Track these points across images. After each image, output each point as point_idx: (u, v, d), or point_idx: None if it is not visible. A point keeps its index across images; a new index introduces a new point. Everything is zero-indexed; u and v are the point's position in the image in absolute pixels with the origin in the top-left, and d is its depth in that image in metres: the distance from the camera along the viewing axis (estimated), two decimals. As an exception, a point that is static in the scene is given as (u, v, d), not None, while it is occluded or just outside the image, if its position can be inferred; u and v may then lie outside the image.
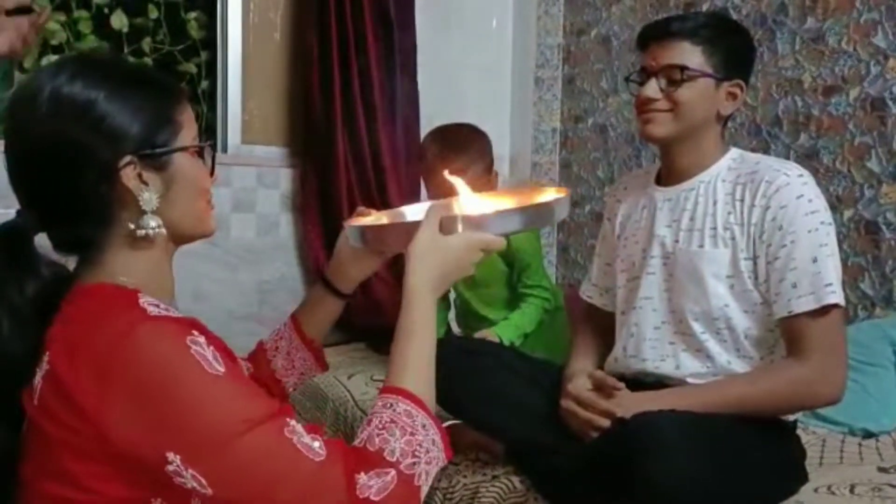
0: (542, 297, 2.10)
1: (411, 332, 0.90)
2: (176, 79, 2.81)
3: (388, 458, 0.80)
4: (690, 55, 1.37)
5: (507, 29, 3.28)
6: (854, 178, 2.19)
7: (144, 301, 0.82)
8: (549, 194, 1.07)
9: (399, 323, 0.91)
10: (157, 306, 0.81)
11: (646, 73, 1.42)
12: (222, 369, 0.78)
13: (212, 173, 0.94)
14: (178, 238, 0.92)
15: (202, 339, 0.79)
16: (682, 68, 1.37)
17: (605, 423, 1.31)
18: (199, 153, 0.91)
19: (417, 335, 0.90)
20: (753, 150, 2.38)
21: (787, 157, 2.33)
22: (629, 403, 1.31)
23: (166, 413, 0.75)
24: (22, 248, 0.86)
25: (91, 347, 0.77)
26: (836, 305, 1.29)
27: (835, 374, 1.30)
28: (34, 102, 0.83)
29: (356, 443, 0.83)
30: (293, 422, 0.80)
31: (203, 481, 0.75)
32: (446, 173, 1.10)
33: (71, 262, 0.91)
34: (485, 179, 1.97)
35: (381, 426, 0.83)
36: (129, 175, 0.84)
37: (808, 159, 2.27)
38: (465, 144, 1.97)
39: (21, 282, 0.85)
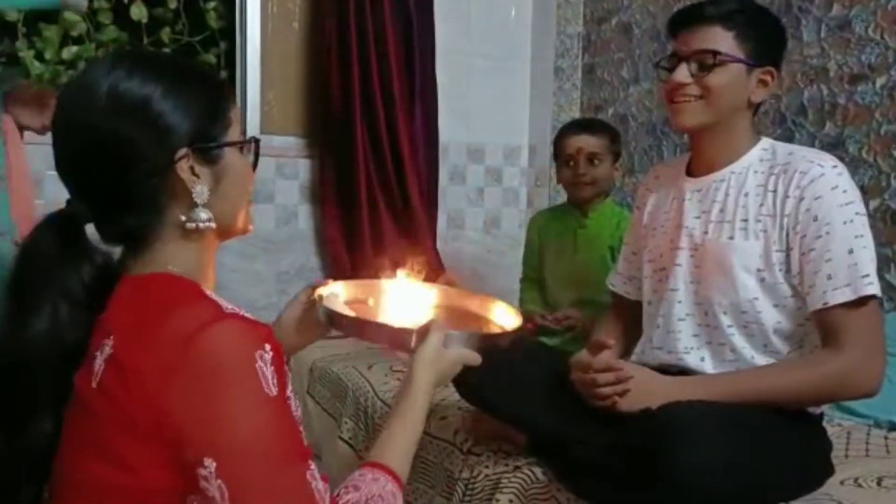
0: None
1: (408, 420, 1.00)
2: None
3: None
4: (723, 40, 1.35)
5: (527, 17, 3.26)
6: (880, 168, 2.16)
7: (212, 295, 0.84)
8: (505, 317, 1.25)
9: (399, 406, 1.01)
10: (226, 303, 0.84)
11: (676, 59, 1.40)
12: (275, 392, 0.79)
13: (254, 167, 0.97)
14: (223, 233, 0.94)
15: (269, 357, 0.80)
16: (715, 53, 1.35)
17: (607, 378, 1.30)
18: (246, 149, 0.95)
19: (413, 424, 1.00)
20: (778, 140, 2.36)
21: (812, 146, 2.30)
22: (662, 388, 1.29)
23: (219, 417, 0.77)
24: (76, 235, 0.87)
25: (161, 335, 0.78)
26: (873, 297, 1.27)
27: (873, 364, 1.28)
28: (91, 97, 0.84)
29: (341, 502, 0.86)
30: (314, 465, 0.83)
31: (226, 494, 0.76)
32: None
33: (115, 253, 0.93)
34: (612, 170, 2.20)
35: (369, 496, 0.87)
36: (183, 167, 0.86)
37: (833, 149, 2.24)
38: (601, 130, 2.19)
39: (77, 268, 0.87)
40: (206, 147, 0.88)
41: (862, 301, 1.26)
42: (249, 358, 0.78)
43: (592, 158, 2.12)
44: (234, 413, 0.77)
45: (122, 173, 0.85)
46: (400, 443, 0.97)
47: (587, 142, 2.13)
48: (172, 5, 2.78)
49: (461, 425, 1.73)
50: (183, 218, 0.87)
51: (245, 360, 0.78)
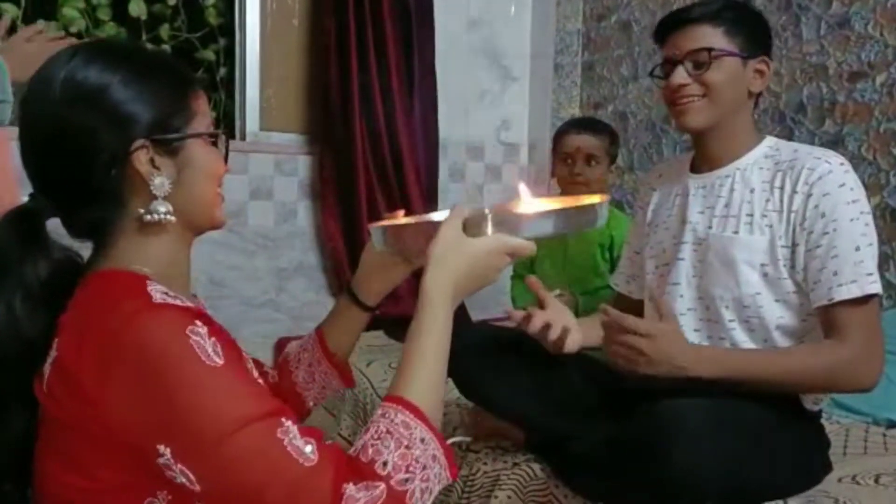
0: None
1: (420, 340, 0.85)
2: (193, 66, 2.82)
3: (378, 470, 0.75)
4: (713, 37, 1.37)
5: (527, 14, 3.25)
6: (880, 166, 2.16)
7: (152, 288, 0.80)
8: (586, 200, 1.01)
9: (411, 326, 0.86)
10: (166, 293, 0.80)
11: (670, 64, 1.41)
12: (221, 361, 0.76)
13: (225, 161, 0.93)
14: (189, 226, 0.90)
15: (204, 330, 0.77)
16: (708, 50, 1.36)
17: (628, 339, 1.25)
18: (214, 142, 0.91)
19: (426, 343, 0.85)
20: (777, 137, 2.36)
21: (812, 144, 2.30)
22: (680, 354, 1.26)
23: (161, 403, 0.74)
24: (33, 230, 0.85)
25: (96, 332, 0.76)
26: (876, 295, 1.29)
27: (875, 359, 1.30)
28: (48, 87, 0.82)
29: (351, 451, 0.78)
30: (288, 423, 0.76)
31: (192, 476, 0.73)
32: (521, 186, 1.04)
33: (86, 251, 0.91)
34: (607, 172, 2.20)
35: (376, 436, 0.78)
36: (140, 159, 0.83)
37: (833, 146, 2.24)
38: (602, 131, 2.19)
39: (34, 263, 0.84)
40: (166, 138, 0.84)
41: (866, 299, 1.27)
42: (181, 336, 0.75)
43: (590, 159, 2.13)
44: (178, 392, 0.73)
45: (81, 165, 0.82)
46: (414, 368, 0.83)
47: (587, 142, 2.13)
48: (171, 2, 2.78)
49: (460, 422, 1.73)
50: (142, 210, 0.84)
51: (177, 340, 0.75)
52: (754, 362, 1.30)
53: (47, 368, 0.79)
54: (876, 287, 1.27)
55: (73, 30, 2.64)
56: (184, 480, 0.73)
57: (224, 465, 0.73)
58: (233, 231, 2.65)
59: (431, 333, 0.85)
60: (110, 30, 2.71)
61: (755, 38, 1.40)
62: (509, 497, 1.49)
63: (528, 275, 2.31)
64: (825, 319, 1.31)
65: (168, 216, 0.85)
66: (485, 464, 1.57)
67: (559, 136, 2.22)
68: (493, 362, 1.49)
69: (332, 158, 2.78)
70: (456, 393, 1.69)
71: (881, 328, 1.32)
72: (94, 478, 0.77)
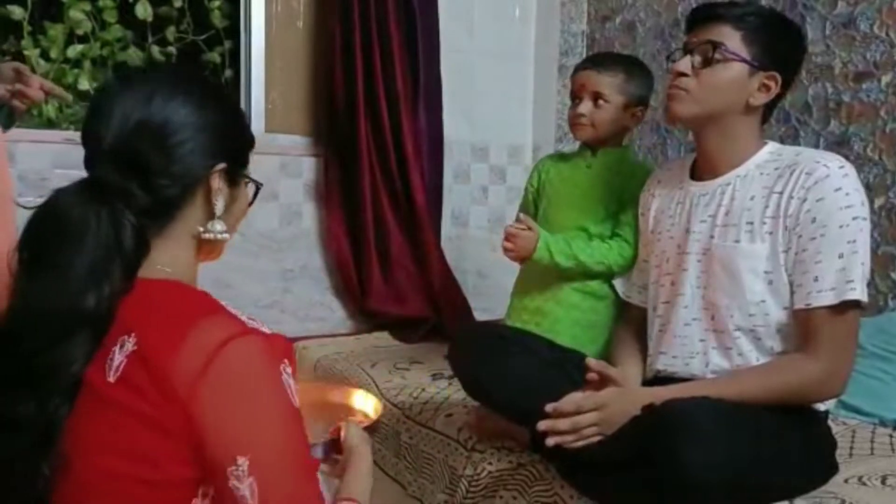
0: (621, 245, 1.76)
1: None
2: (199, 68, 2.84)
3: None
4: (729, 37, 1.36)
5: (531, 16, 3.25)
6: (886, 166, 2.15)
7: (228, 307, 0.87)
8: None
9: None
10: (251, 319, 0.87)
11: (685, 51, 1.42)
12: (297, 405, 0.84)
13: (249, 204, 1.04)
14: (211, 246, 0.97)
15: (289, 370, 0.84)
16: (716, 45, 1.36)
17: (590, 418, 1.28)
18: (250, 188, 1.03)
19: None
20: (782, 138, 2.36)
21: (817, 145, 2.30)
22: (627, 406, 1.28)
23: (253, 418, 0.81)
24: (139, 231, 0.88)
25: (188, 342, 0.80)
26: (856, 304, 1.28)
27: (841, 373, 1.31)
28: (177, 92, 0.90)
29: None
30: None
31: (256, 492, 0.79)
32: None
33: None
34: (626, 113, 1.84)
35: None
36: (216, 179, 0.92)
37: (838, 147, 2.23)
38: (612, 67, 1.83)
39: (119, 226, 0.86)
40: (236, 169, 0.96)
41: (843, 306, 1.27)
42: (276, 370, 0.82)
43: (597, 98, 1.80)
44: (268, 417, 0.81)
45: (173, 158, 0.88)
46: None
47: (591, 78, 1.81)
48: (177, 4, 2.78)
49: (465, 422, 1.73)
50: (200, 228, 0.93)
51: (273, 372, 0.82)
52: (711, 392, 1.27)
53: (120, 360, 0.81)
54: (855, 294, 1.26)
55: (80, 32, 2.66)
56: (245, 494, 0.79)
57: (288, 496, 0.81)
58: (238, 232, 2.63)
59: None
60: (116, 32, 2.72)
61: (774, 51, 1.38)
62: (514, 497, 1.49)
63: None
64: (801, 323, 1.31)
65: (223, 235, 0.94)
66: (490, 464, 1.57)
67: (571, 75, 1.94)
68: (498, 361, 1.49)
69: (337, 160, 2.78)
70: (461, 393, 1.69)
71: (856, 337, 1.33)
72: (159, 466, 0.80)
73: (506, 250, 1.76)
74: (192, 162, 0.90)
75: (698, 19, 1.42)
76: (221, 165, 0.92)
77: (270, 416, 0.81)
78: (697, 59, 1.38)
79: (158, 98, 0.88)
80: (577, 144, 1.96)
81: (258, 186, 1.03)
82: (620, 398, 1.30)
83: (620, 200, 1.79)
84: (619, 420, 1.27)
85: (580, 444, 1.28)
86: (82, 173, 0.90)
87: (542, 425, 1.29)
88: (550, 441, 1.28)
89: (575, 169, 1.90)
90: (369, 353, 2.44)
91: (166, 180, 0.88)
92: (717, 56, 1.36)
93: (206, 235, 0.93)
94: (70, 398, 0.82)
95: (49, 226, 0.84)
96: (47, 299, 0.82)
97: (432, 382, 2.13)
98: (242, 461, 0.79)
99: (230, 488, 0.79)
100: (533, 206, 2.01)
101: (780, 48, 1.39)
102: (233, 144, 0.96)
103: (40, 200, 0.86)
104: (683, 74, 1.39)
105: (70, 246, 0.83)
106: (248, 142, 1.00)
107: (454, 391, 1.98)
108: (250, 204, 1.03)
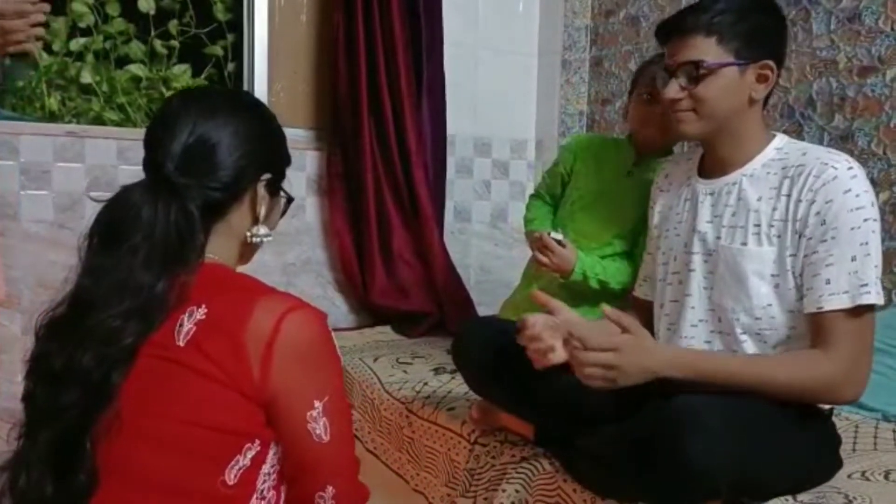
0: (637, 266, 1.75)
1: None
2: (202, 62, 2.84)
3: None
4: (705, 48, 1.32)
5: (535, 10, 3.25)
6: (890, 161, 2.15)
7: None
8: None
9: None
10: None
11: (668, 73, 1.38)
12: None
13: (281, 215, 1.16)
14: (244, 248, 1.10)
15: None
16: (698, 64, 1.32)
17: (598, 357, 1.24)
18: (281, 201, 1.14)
19: None
20: (787, 133, 2.35)
21: (822, 140, 2.29)
22: (652, 361, 1.25)
23: (322, 372, 0.98)
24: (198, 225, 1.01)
25: (254, 314, 0.93)
26: (870, 306, 1.26)
27: (860, 375, 1.27)
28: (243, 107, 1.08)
29: None
30: None
31: (328, 428, 0.96)
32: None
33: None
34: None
35: None
36: (261, 187, 1.05)
37: (842, 142, 2.23)
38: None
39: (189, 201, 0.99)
40: (277, 181, 1.09)
41: (858, 310, 1.25)
42: (330, 334, 0.99)
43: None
44: (333, 369, 1.00)
45: (221, 170, 1.00)
46: None
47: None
48: (180, -3, 2.79)
49: (468, 416, 1.73)
50: (248, 233, 1.06)
51: (329, 335, 0.98)
52: (729, 367, 1.26)
53: (189, 327, 0.93)
54: (870, 298, 1.24)
55: (83, 25, 2.65)
56: (321, 433, 0.96)
57: (347, 438, 1.02)
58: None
59: None
60: (119, 25, 2.72)
61: (755, 41, 1.33)
62: (517, 491, 1.49)
63: (550, 203, 2.06)
64: (814, 327, 1.28)
65: (267, 238, 1.07)
66: (493, 457, 1.57)
67: (641, 70, 1.86)
68: (501, 356, 1.49)
69: (340, 154, 2.78)
70: (464, 387, 1.69)
71: (872, 339, 1.30)
72: (229, 419, 0.92)
73: (540, 263, 1.78)
74: (243, 171, 1.02)
75: (667, 34, 1.37)
76: (267, 176, 1.06)
77: (334, 368, 1.00)
78: (683, 79, 1.34)
79: (220, 115, 1.01)
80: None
81: (290, 200, 1.14)
82: (637, 345, 1.24)
83: (647, 218, 1.74)
84: (630, 370, 1.22)
85: (591, 383, 1.25)
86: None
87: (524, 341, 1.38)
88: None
89: (615, 174, 1.88)
90: (372, 347, 2.44)
91: (220, 184, 1.00)
92: (701, 72, 1.32)
93: (254, 239, 1.06)
94: (125, 364, 0.91)
95: (121, 215, 0.95)
96: (118, 277, 0.92)
97: (435, 377, 2.13)
98: (318, 405, 0.96)
99: (307, 430, 0.95)
100: (560, 186, 2.02)
101: (760, 34, 1.34)
102: (276, 159, 1.09)
103: (109, 195, 0.98)
104: (677, 100, 1.36)
105: (140, 233, 0.93)
106: (288, 158, 1.13)
107: (457, 385, 1.98)
108: (282, 215, 1.14)
